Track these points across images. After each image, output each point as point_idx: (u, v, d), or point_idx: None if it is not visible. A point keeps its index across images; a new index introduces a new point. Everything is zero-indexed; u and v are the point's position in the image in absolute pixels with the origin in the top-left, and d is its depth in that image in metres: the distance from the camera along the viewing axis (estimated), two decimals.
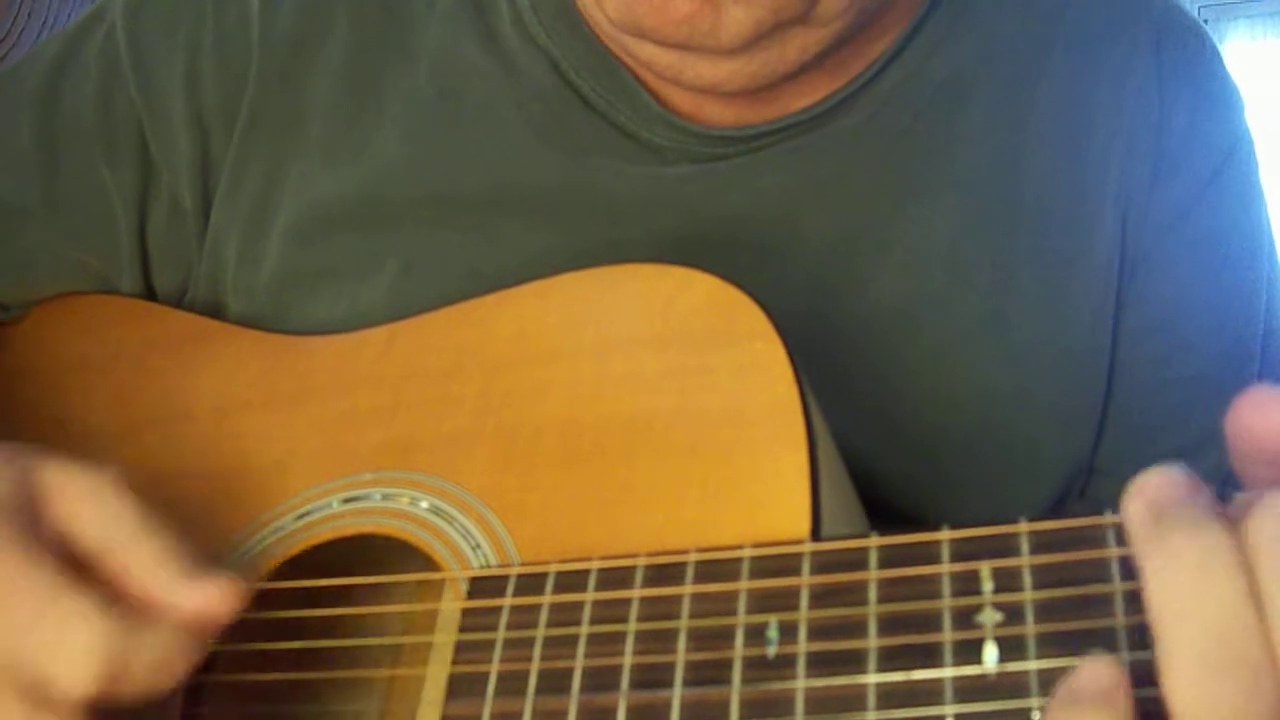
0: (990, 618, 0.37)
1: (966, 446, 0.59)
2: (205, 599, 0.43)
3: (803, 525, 0.42)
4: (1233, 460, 0.36)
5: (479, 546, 0.46)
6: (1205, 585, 0.32)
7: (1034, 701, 0.35)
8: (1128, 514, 0.35)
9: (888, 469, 0.56)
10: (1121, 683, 0.33)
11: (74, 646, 0.40)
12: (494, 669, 0.42)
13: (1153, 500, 0.35)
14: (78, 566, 0.43)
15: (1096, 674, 0.33)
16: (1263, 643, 0.32)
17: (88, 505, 0.44)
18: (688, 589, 0.41)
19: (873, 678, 0.37)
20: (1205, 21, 2.59)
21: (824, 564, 0.40)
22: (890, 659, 0.37)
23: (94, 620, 0.40)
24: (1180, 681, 0.32)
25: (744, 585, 0.40)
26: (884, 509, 0.53)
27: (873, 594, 0.39)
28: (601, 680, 0.40)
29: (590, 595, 0.42)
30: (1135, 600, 0.35)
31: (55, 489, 0.44)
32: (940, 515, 0.40)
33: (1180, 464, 0.36)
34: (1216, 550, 0.33)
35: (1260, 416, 0.34)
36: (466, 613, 0.44)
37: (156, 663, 0.41)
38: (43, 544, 0.42)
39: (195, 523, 0.53)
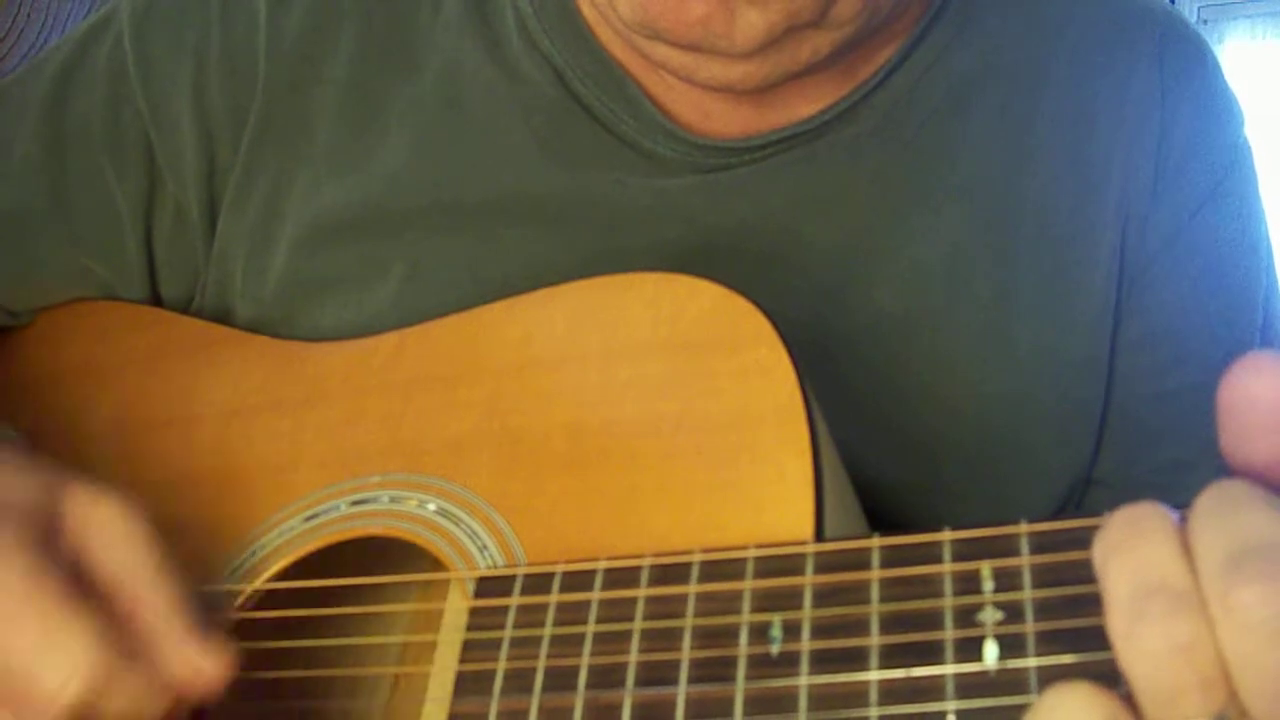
0: (991, 616, 0.37)
1: (967, 454, 0.59)
2: (199, 666, 0.44)
3: (806, 529, 0.42)
4: (1224, 439, 0.34)
5: (486, 548, 0.47)
6: (1133, 535, 0.33)
7: (1033, 698, 0.35)
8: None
9: (889, 475, 0.56)
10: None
11: (65, 659, 0.41)
12: (500, 667, 0.43)
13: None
14: (85, 587, 0.43)
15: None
16: (1190, 583, 0.31)
17: (109, 534, 0.45)
18: (692, 588, 0.42)
19: (875, 675, 0.37)
20: (1205, 22, 2.58)
21: (827, 564, 0.40)
22: (892, 656, 0.38)
23: (89, 640, 0.41)
24: (1115, 622, 0.32)
25: (748, 585, 0.41)
26: (885, 516, 0.53)
27: (875, 593, 0.39)
28: (607, 678, 0.41)
29: (596, 595, 0.43)
30: None
31: (80, 510, 0.45)
32: (940, 523, 0.40)
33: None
34: (1145, 509, 0.33)
35: (1259, 380, 0.33)
36: (473, 612, 0.44)
37: (136, 698, 0.42)
38: (54, 557, 0.43)
39: (204, 526, 0.54)
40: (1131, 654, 0.32)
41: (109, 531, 0.45)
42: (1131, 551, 0.33)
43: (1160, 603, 0.31)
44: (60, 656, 0.41)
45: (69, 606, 0.42)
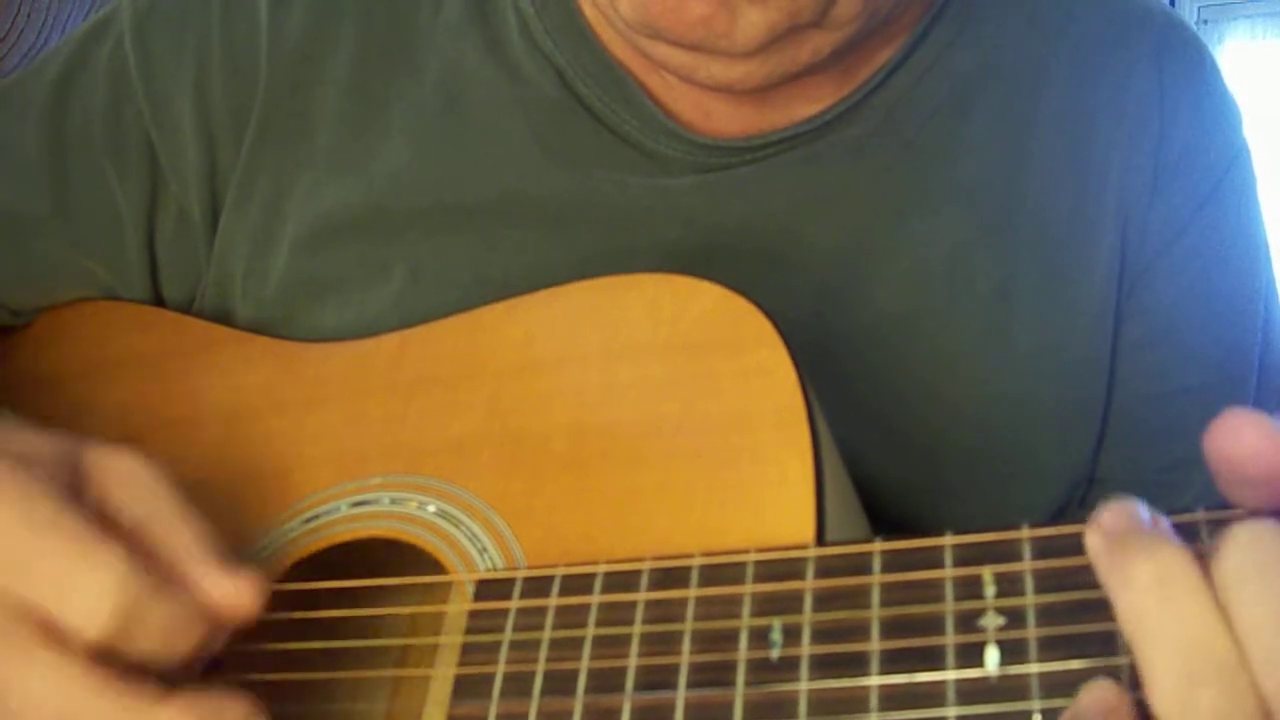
0: (992, 621, 0.37)
1: (967, 454, 0.59)
2: (232, 590, 0.42)
3: (807, 530, 0.42)
4: (1218, 485, 0.35)
5: (486, 550, 0.47)
6: (1168, 603, 0.33)
7: (1035, 704, 0.35)
8: (1088, 546, 0.36)
9: (890, 476, 0.56)
10: (1123, 702, 0.34)
11: (92, 586, 0.39)
12: (500, 670, 0.42)
13: (1109, 530, 0.35)
14: (111, 529, 0.42)
15: (1099, 697, 0.34)
16: (1234, 652, 0.32)
17: (129, 487, 0.44)
18: (692, 592, 0.42)
19: (875, 680, 0.37)
20: (1205, 22, 2.58)
21: (828, 568, 0.40)
22: (893, 661, 0.38)
23: (116, 566, 0.40)
24: (1163, 699, 0.32)
25: (748, 589, 0.41)
26: (886, 516, 0.53)
27: (876, 598, 0.39)
28: (606, 682, 0.41)
29: (596, 598, 0.43)
30: None
31: (100, 462, 0.44)
32: (942, 523, 0.40)
33: (1135, 497, 0.36)
34: (1173, 568, 0.33)
35: (1234, 440, 0.34)
36: (473, 615, 0.44)
37: (169, 626, 0.40)
38: (78, 501, 0.42)
39: None
40: None
41: (130, 482, 0.44)
42: (1173, 622, 0.33)
43: (1214, 686, 0.32)
44: (89, 587, 0.39)
45: (96, 537, 0.40)
